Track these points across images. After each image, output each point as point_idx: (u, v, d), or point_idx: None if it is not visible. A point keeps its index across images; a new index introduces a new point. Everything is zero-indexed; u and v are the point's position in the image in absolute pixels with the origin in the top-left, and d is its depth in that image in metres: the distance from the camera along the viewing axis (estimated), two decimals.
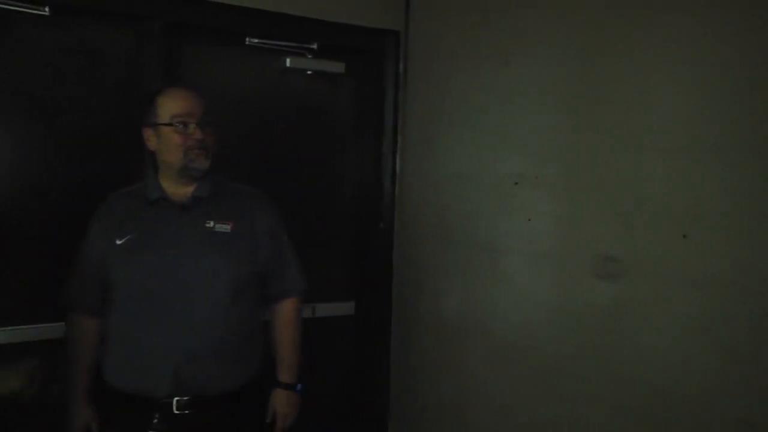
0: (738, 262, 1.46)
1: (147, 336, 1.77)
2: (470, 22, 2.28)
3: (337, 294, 2.75)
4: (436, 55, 2.48)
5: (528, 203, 2.03)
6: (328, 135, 2.69)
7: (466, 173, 2.29)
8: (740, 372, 1.46)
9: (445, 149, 2.41)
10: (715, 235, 1.51)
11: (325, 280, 2.70)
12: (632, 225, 1.70)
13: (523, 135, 2.05)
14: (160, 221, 1.82)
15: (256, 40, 2.44)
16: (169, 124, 1.79)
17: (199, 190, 1.85)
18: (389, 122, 2.69)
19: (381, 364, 2.75)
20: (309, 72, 2.58)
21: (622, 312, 1.73)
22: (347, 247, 2.78)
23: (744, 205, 1.45)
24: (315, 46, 2.53)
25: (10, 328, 2.09)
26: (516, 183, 2.07)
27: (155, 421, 1.75)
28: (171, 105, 1.81)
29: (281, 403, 2.01)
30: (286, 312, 2.03)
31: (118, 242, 1.79)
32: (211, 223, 1.84)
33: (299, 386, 2.04)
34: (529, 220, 2.02)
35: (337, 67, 2.60)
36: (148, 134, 1.85)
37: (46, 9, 2.05)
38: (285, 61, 2.51)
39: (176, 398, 1.76)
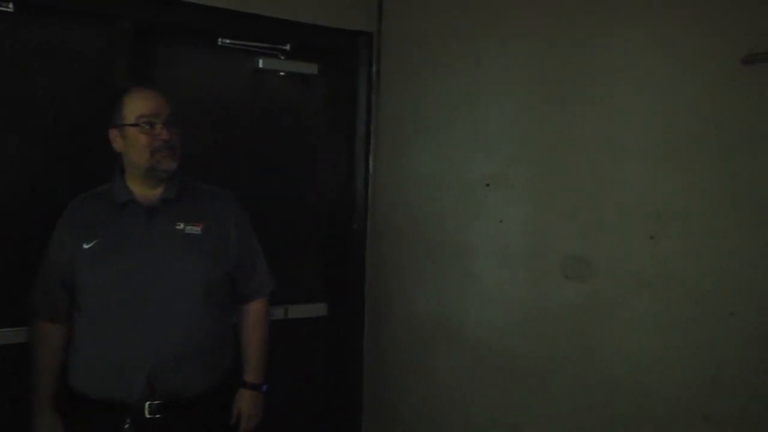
0: (703, 263, 1.49)
1: (118, 340, 1.74)
2: (442, 23, 2.29)
3: (309, 295, 2.74)
4: (409, 57, 2.49)
5: (499, 205, 2.05)
6: (301, 136, 2.68)
7: (439, 174, 2.30)
8: (704, 370, 1.48)
9: (418, 150, 2.42)
10: (681, 236, 1.54)
11: (297, 281, 2.69)
12: (601, 226, 1.72)
13: (494, 136, 2.07)
14: (129, 224, 1.80)
15: (228, 41, 2.42)
16: (135, 125, 1.77)
17: (167, 192, 1.83)
18: (362, 123, 2.69)
19: (354, 366, 2.75)
20: (282, 73, 2.58)
21: (591, 312, 1.75)
22: (320, 248, 2.77)
23: (710, 207, 1.48)
24: (288, 47, 2.52)
25: None
26: (487, 184, 2.08)
27: (126, 426, 1.73)
28: (136, 105, 1.78)
29: (247, 403, 1.99)
30: (254, 312, 2.03)
31: (86, 246, 1.77)
32: (181, 225, 1.82)
33: (265, 387, 2.03)
34: (501, 221, 2.03)
35: (309, 68, 2.60)
36: (114, 135, 1.82)
37: (10, 5, 2.01)
38: (257, 62, 2.50)
39: (148, 402, 1.74)
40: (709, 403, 1.47)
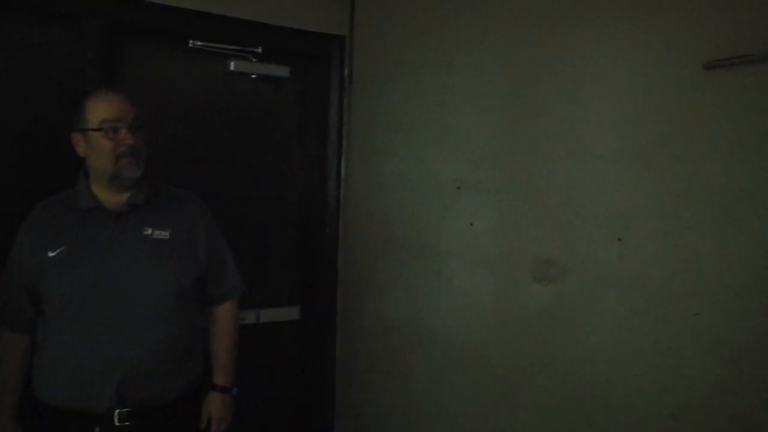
0: (669, 264, 1.52)
1: (87, 349, 1.70)
2: (414, 28, 2.30)
3: (282, 299, 2.73)
4: (381, 60, 2.50)
5: (470, 207, 2.06)
6: (273, 139, 2.67)
7: (410, 177, 2.31)
8: (671, 370, 1.51)
9: (390, 153, 2.42)
10: (648, 238, 1.56)
11: (269, 285, 2.68)
12: (570, 229, 1.75)
13: (465, 139, 2.08)
14: (95, 231, 1.75)
15: (199, 43, 2.40)
16: (99, 129, 1.71)
17: (134, 197, 1.79)
18: (334, 126, 2.69)
19: (326, 369, 2.74)
20: (253, 75, 2.56)
21: (560, 313, 1.77)
22: (292, 251, 2.76)
23: (675, 209, 1.50)
24: (259, 50, 2.51)
25: None
26: (458, 187, 2.09)
27: None
28: (100, 109, 1.72)
29: (217, 406, 1.97)
30: (224, 315, 2.01)
31: (51, 254, 1.71)
32: (149, 230, 1.79)
33: (235, 390, 2.02)
34: (471, 224, 2.05)
35: (281, 70, 2.59)
36: (77, 139, 1.76)
37: None
38: (229, 65, 2.48)
39: (118, 410, 1.71)
40: (676, 402, 1.50)
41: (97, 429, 1.70)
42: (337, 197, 2.71)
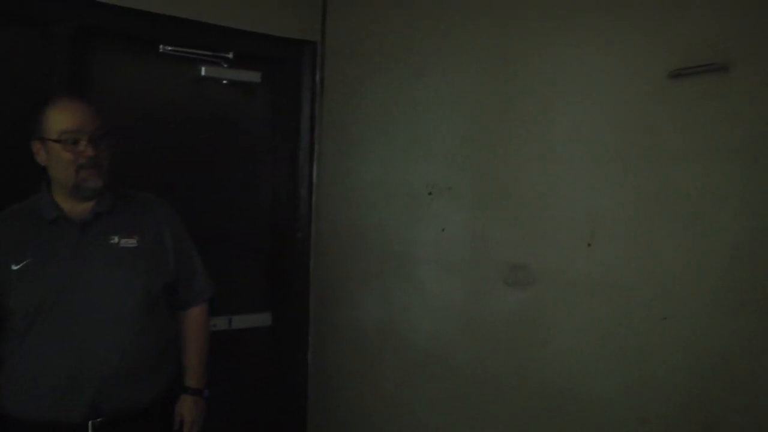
0: (637, 270, 1.53)
1: (57, 361, 1.67)
2: (386, 33, 2.31)
3: (253, 305, 2.72)
4: (353, 65, 2.50)
5: (441, 213, 2.07)
6: (245, 144, 2.66)
7: (382, 183, 2.32)
8: (639, 373, 1.53)
9: (361, 158, 2.43)
10: (615, 243, 1.58)
11: (241, 291, 2.67)
12: (540, 234, 1.76)
13: (436, 145, 2.09)
14: (60, 241, 1.71)
15: (170, 48, 2.39)
16: (58, 141, 1.67)
17: (99, 206, 1.76)
18: (306, 132, 2.69)
19: (298, 375, 2.74)
20: (225, 81, 2.56)
21: (530, 318, 1.78)
22: (264, 257, 2.75)
23: (640, 215, 1.52)
24: (231, 55, 2.50)
25: None
26: (430, 193, 2.10)
27: None
28: (59, 119, 1.68)
29: (188, 409, 1.96)
30: (195, 318, 2.00)
31: (15, 267, 1.67)
32: (116, 239, 1.76)
33: (206, 392, 2.01)
34: (443, 229, 2.06)
35: (253, 76, 2.58)
36: (37, 148, 1.72)
37: None
38: (200, 70, 2.48)
39: (91, 421, 1.69)
40: (644, 405, 1.52)
41: None
42: (309, 202, 2.71)
